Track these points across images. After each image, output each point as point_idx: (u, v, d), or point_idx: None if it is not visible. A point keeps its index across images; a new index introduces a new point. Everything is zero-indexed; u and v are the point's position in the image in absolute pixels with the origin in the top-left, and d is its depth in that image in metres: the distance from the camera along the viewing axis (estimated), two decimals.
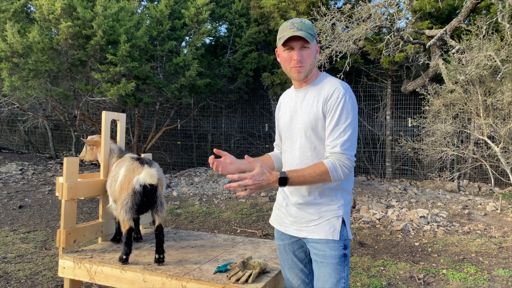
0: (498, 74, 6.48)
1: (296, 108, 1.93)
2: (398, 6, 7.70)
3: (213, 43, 11.00)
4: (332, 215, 1.85)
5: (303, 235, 1.91)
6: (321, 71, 1.99)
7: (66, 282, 2.53)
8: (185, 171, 10.15)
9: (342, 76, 7.88)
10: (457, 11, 9.21)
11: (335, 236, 1.83)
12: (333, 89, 1.80)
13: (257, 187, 1.72)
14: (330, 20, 7.59)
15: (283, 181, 1.75)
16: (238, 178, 1.72)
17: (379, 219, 5.95)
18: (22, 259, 4.22)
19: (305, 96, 1.90)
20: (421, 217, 5.93)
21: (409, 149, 8.84)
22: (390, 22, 7.57)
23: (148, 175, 2.36)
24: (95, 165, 9.99)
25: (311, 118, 1.84)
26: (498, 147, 6.60)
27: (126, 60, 7.06)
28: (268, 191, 7.38)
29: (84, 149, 3.05)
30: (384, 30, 9.32)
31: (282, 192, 2.01)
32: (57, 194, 2.61)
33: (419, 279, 3.92)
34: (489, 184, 8.80)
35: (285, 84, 9.06)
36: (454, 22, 7.77)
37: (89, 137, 3.03)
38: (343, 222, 1.86)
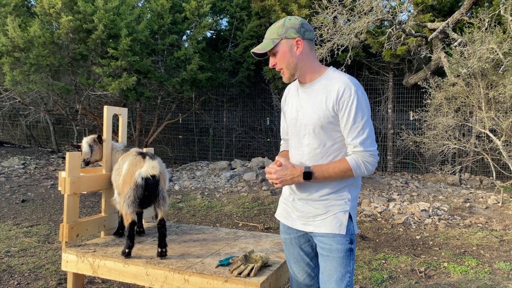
0: (500, 67, 6.45)
1: (302, 103, 1.90)
2: None
3: (214, 36, 10.96)
4: (339, 210, 1.86)
5: (309, 229, 1.92)
6: (327, 65, 1.97)
7: (69, 275, 2.55)
8: (187, 165, 10.16)
9: (344, 69, 7.86)
10: (459, 4, 9.16)
11: (342, 230, 1.84)
12: (344, 86, 1.77)
13: (282, 181, 1.82)
14: (332, 13, 7.55)
15: (308, 175, 1.80)
16: (267, 170, 1.84)
17: (380, 213, 5.96)
18: (25, 253, 4.25)
19: (311, 92, 1.88)
20: (422, 210, 5.94)
21: (411, 143, 8.83)
22: (392, 15, 7.53)
23: (149, 166, 2.37)
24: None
25: (320, 115, 1.81)
26: (500, 140, 6.59)
27: (127, 54, 7.05)
28: (270, 185, 7.40)
29: (87, 149, 2.92)
30: (385, 23, 9.27)
31: (288, 187, 2.00)
32: (59, 188, 2.62)
33: (420, 272, 3.93)
34: (491, 178, 8.79)
35: None
36: (456, 15, 7.72)
37: (92, 136, 2.97)
38: (350, 217, 1.87)
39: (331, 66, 1.92)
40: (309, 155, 1.88)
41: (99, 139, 2.90)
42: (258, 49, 1.87)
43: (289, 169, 1.82)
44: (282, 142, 2.22)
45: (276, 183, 1.84)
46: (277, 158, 1.90)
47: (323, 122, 1.81)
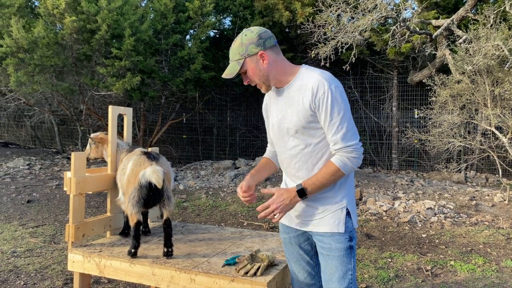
0: (506, 64, 6.41)
1: (282, 107, 1.89)
2: None
3: (217, 36, 10.95)
4: (336, 208, 1.85)
5: (308, 229, 1.92)
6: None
7: (75, 275, 2.55)
8: (191, 164, 10.17)
9: (348, 67, 7.83)
10: (464, 1, 9.10)
11: (340, 228, 1.84)
12: (317, 84, 1.76)
13: (283, 209, 1.80)
14: (336, 11, 7.53)
15: (302, 192, 1.80)
16: (262, 208, 1.81)
17: (386, 211, 5.94)
18: (31, 253, 4.26)
19: (288, 94, 1.86)
20: (428, 208, 5.91)
21: (416, 141, 8.79)
22: (396, 12, 7.49)
23: (154, 174, 2.33)
24: (102, 161, 10.01)
25: (300, 116, 1.81)
26: (506, 137, 6.54)
27: (131, 54, 7.05)
28: (274, 184, 7.38)
29: (88, 146, 3.01)
30: (390, 20, 9.23)
31: (285, 187, 1.99)
32: (65, 188, 2.62)
33: (426, 271, 3.91)
34: (497, 175, 8.73)
35: None
36: (461, 12, 7.68)
37: (92, 135, 3.01)
38: (348, 213, 1.86)
39: (303, 65, 1.90)
40: (297, 156, 1.87)
41: (92, 139, 2.96)
42: (226, 74, 1.86)
43: (284, 195, 1.81)
44: (268, 146, 2.22)
45: (276, 214, 1.80)
46: (268, 190, 1.87)
47: (304, 122, 1.80)
